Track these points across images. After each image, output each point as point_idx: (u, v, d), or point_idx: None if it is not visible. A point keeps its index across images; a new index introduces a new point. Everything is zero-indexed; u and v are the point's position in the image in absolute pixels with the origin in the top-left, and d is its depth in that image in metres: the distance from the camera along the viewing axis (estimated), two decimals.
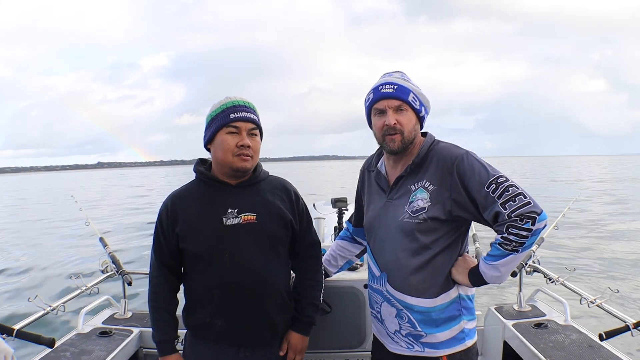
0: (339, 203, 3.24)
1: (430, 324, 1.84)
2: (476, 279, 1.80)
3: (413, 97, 1.84)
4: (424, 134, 1.94)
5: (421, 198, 1.80)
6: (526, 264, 2.93)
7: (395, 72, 1.92)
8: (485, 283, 1.80)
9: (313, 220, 3.72)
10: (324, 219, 3.68)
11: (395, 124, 1.83)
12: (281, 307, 2.01)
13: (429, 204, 1.78)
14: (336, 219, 3.28)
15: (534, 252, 3.01)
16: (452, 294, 1.85)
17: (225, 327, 1.92)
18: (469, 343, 1.87)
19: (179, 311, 2.05)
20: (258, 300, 1.92)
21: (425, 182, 1.81)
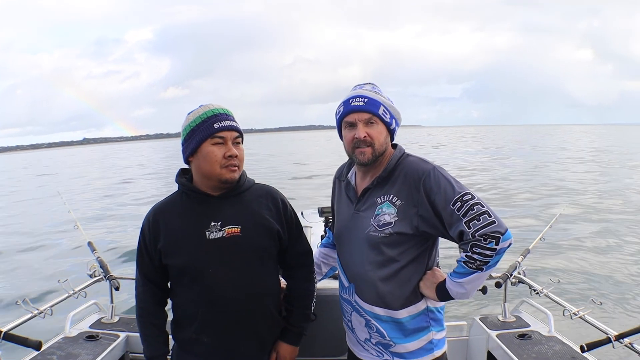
0: (325, 211, 3.26)
1: (398, 334, 1.85)
2: (443, 294, 1.81)
3: (383, 110, 1.83)
4: (395, 146, 1.93)
5: (388, 212, 1.81)
6: (511, 275, 2.97)
7: (367, 84, 1.92)
8: (452, 298, 1.81)
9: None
10: (311, 227, 3.69)
11: (365, 137, 1.82)
12: (270, 322, 1.97)
13: (396, 219, 1.79)
14: (323, 227, 3.30)
15: (519, 264, 3.05)
16: (421, 305, 1.86)
17: (212, 344, 1.88)
18: (437, 353, 1.89)
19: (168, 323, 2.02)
20: (245, 316, 1.87)
21: (393, 197, 1.81)
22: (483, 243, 1.65)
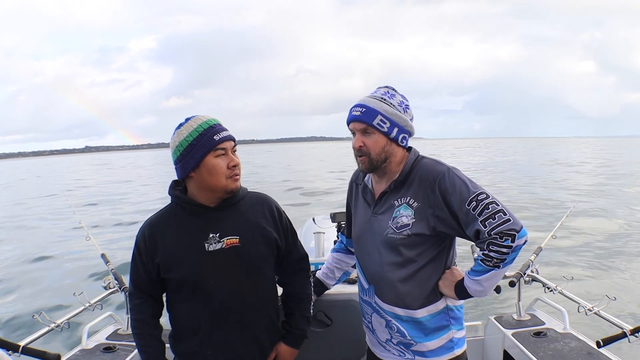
0: (338, 217, 3.27)
1: (419, 333, 1.88)
2: (461, 292, 1.84)
3: (381, 120, 1.83)
4: (410, 149, 1.95)
5: (405, 214, 1.83)
6: (525, 274, 2.97)
7: (383, 87, 1.93)
8: (471, 296, 1.84)
9: (313, 235, 3.73)
10: (324, 233, 3.70)
11: (360, 146, 1.87)
12: (270, 328, 1.98)
13: (413, 220, 1.81)
14: (335, 233, 3.31)
15: (532, 262, 3.05)
16: (440, 305, 1.89)
17: (214, 356, 1.88)
18: (457, 352, 1.91)
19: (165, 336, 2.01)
20: (246, 325, 1.88)
21: (409, 199, 1.84)
22: (499, 241, 1.68)
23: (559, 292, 2.82)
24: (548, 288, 2.88)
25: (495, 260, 1.72)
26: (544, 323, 2.85)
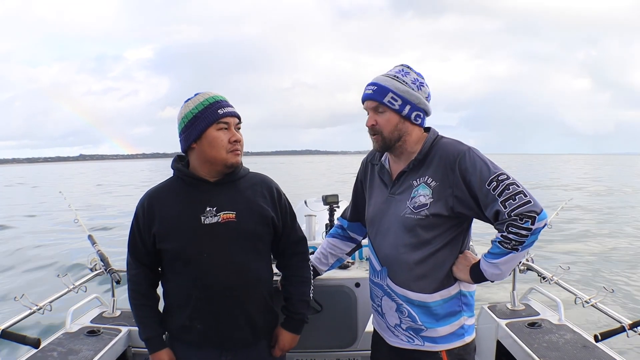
0: (330, 199, 3.22)
1: (430, 318, 1.85)
2: (477, 276, 1.80)
3: (392, 98, 1.82)
4: (428, 129, 1.92)
5: (423, 194, 1.80)
6: (520, 262, 2.92)
7: (399, 65, 1.90)
8: (486, 280, 1.81)
9: (304, 218, 3.68)
10: (315, 216, 3.65)
11: (373, 125, 1.86)
12: (263, 308, 1.97)
13: (431, 200, 1.78)
14: (327, 216, 3.26)
15: (527, 251, 2.99)
16: (453, 290, 1.85)
17: (205, 330, 1.88)
18: (467, 339, 1.88)
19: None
20: (238, 301, 1.88)
21: (428, 178, 1.81)
22: (519, 223, 1.66)
23: (555, 283, 2.77)
24: (543, 278, 2.83)
25: (513, 242, 1.69)
26: (538, 314, 2.81)
